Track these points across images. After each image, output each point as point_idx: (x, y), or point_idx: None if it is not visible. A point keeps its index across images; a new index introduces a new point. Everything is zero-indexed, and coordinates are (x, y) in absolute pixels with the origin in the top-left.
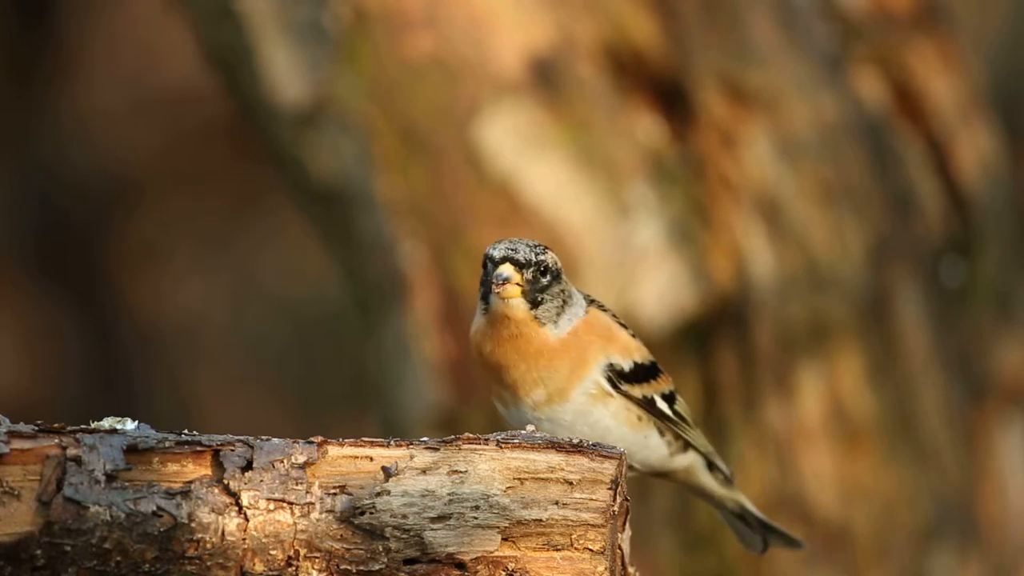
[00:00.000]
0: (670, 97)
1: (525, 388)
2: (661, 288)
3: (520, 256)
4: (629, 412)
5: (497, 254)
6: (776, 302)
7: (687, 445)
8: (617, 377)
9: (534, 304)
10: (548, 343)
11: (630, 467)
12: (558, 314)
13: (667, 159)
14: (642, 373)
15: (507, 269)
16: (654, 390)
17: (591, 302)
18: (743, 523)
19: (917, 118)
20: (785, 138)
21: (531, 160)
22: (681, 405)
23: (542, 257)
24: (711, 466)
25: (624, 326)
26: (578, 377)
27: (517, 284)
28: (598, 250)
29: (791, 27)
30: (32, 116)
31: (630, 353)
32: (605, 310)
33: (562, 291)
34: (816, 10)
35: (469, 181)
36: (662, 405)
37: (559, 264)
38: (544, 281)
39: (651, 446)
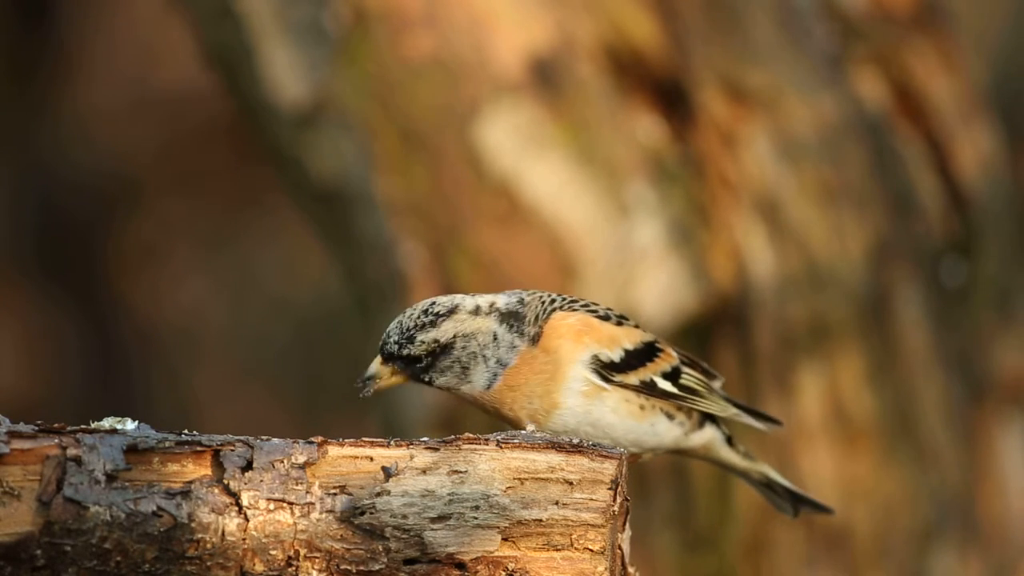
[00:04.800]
0: (670, 97)
1: (520, 416)
2: (661, 288)
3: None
4: (630, 404)
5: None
6: (776, 302)
7: (703, 420)
8: (606, 369)
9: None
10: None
11: (641, 453)
12: (464, 375)
13: (667, 159)
14: (636, 359)
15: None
16: (652, 372)
17: (552, 312)
18: (771, 491)
19: (917, 118)
20: (785, 138)
21: (531, 160)
22: (690, 377)
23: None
24: (730, 440)
25: (607, 317)
26: (561, 380)
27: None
28: (598, 250)
29: (791, 27)
30: (32, 116)
31: (616, 342)
32: (576, 309)
33: (458, 359)
34: (816, 10)
35: (469, 181)
36: (664, 385)
37: (449, 335)
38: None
39: (660, 432)
